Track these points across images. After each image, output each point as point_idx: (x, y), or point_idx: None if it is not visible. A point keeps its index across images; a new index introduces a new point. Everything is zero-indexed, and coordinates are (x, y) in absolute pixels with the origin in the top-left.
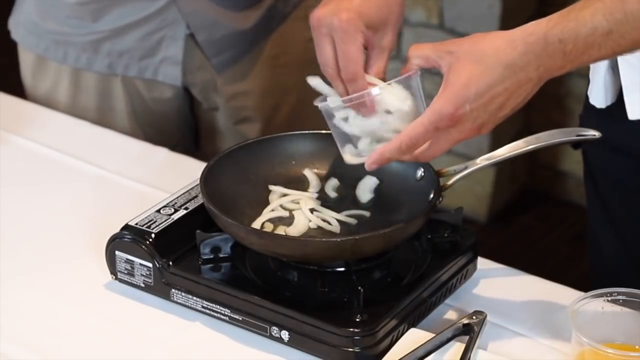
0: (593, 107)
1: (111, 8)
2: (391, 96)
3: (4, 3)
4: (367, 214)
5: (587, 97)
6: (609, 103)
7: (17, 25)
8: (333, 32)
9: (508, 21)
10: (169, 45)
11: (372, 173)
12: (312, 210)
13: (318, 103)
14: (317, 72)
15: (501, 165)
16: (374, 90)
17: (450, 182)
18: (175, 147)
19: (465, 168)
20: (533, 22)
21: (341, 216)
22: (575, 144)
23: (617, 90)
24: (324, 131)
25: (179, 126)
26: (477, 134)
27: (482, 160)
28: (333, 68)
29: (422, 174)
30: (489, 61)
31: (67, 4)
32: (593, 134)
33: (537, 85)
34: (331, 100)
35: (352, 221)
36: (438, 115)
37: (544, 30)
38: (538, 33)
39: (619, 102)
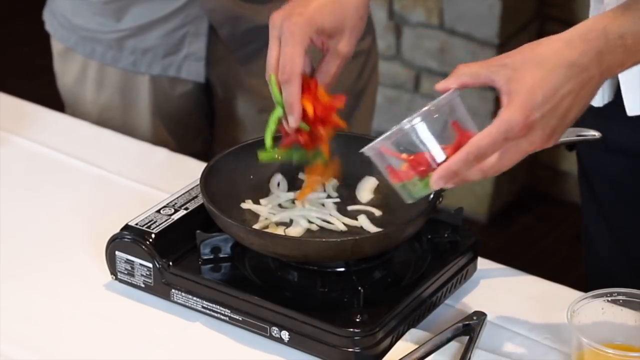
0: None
1: (133, 6)
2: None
3: (4, 3)
4: (375, 211)
5: None
6: (606, 101)
7: (51, 17)
8: (281, 35)
9: (508, 21)
10: (192, 41)
11: (371, 173)
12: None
13: (364, 150)
14: None
15: None
16: (405, 124)
17: None
18: (194, 139)
19: None
20: (587, 21)
21: (341, 216)
22: (570, 146)
23: (614, 89)
24: None
25: (199, 118)
26: (546, 144)
27: None
28: (274, 70)
29: None
30: (550, 63)
31: (92, 3)
32: (593, 134)
33: (599, 84)
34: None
35: (354, 222)
36: (507, 125)
37: (602, 25)
38: (597, 30)
39: (614, 101)
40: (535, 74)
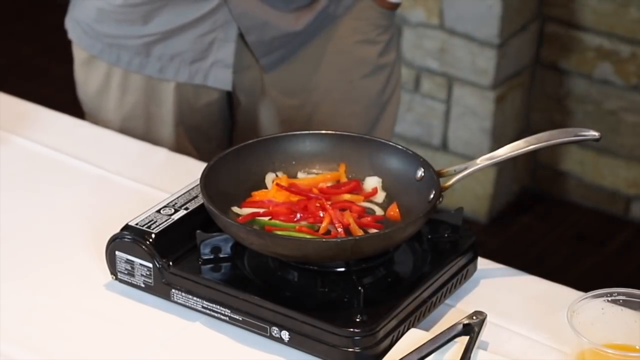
0: None
1: (161, 10)
2: None
3: (4, 3)
4: (377, 209)
5: None
6: None
7: (74, 25)
8: None
9: (508, 21)
10: (220, 47)
11: (374, 172)
12: None
13: None
14: (362, 73)
15: (501, 166)
16: None
17: (451, 182)
18: (216, 149)
19: (466, 168)
20: None
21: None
22: None
23: None
24: (324, 131)
25: (222, 128)
26: None
27: (483, 161)
28: None
29: (422, 174)
30: None
31: (117, 6)
32: (593, 134)
33: None
34: None
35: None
36: None
37: None
38: None
39: None
40: None
